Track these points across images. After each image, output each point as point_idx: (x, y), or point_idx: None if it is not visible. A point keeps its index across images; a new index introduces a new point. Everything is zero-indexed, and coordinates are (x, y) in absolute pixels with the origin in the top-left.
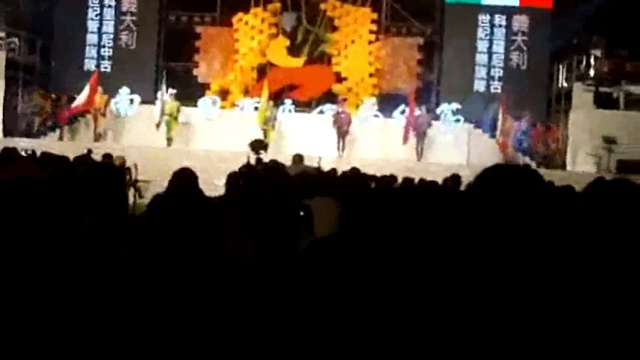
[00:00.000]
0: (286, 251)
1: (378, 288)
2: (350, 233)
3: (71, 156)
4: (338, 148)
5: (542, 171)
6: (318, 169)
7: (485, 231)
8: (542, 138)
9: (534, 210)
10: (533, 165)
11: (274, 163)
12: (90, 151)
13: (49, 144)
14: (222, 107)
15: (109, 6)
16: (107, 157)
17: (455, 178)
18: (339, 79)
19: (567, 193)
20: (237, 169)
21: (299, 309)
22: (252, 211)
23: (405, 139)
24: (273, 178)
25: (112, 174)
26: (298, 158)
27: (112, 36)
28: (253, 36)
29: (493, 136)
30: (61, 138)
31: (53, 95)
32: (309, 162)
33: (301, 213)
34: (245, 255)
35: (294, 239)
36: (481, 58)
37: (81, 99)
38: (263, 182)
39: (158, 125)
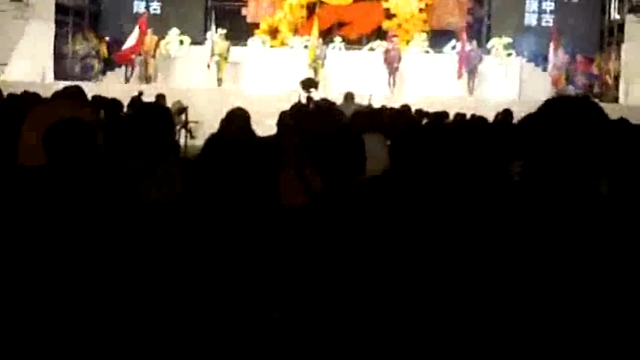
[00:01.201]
0: (346, 186)
1: (426, 227)
2: (399, 172)
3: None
4: (389, 85)
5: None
6: (369, 106)
7: (544, 171)
8: (584, 70)
9: (597, 144)
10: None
11: (325, 101)
12: (141, 93)
13: (101, 86)
14: (272, 46)
15: None
16: (160, 97)
17: (506, 113)
18: (389, 15)
19: (623, 126)
20: (288, 108)
21: (353, 250)
22: (312, 147)
23: (459, 74)
24: (325, 115)
25: (162, 115)
26: (349, 96)
27: None
28: None
29: (545, 69)
30: (127, 80)
31: (107, 38)
32: (360, 99)
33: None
34: (301, 194)
35: (352, 174)
36: None
37: (131, 41)
38: (315, 120)
39: (209, 65)
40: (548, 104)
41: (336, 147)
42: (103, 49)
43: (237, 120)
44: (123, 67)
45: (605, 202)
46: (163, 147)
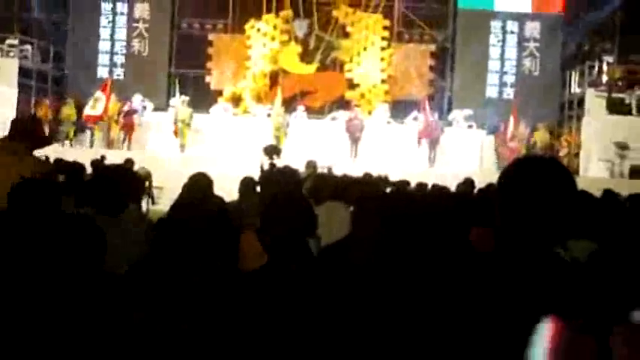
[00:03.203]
0: (301, 254)
1: (388, 293)
2: (361, 237)
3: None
4: (351, 155)
5: None
6: (330, 173)
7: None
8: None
9: (566, 205)
10: None
11: (288, 169)
12: (103, 157)
13: (62, 150)
14: (235, 114)
15: (122, 13)
16: (128, 162)
17: (468, 183)
18: (352, 85)
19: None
20: (250, 175)
21: (312, 312)
22: (267, 215)
23: (419, 143)
24: (286, 183)
25: (124, 177)
26: (311, 164)
27: (124, 43)
28: (265, 43)
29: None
30: (92, 144)
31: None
32: (322, 168)
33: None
34: (260, 257)
35: (306, 243)
36: (493, 64)
37: (99, 108)
38: (277, 186)
39: (176, 132)
40: (517, 164)
41: (281, 211)
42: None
43: (198, 185)
44: (88, 132)
45: (565, 266)
46: (126, 208)
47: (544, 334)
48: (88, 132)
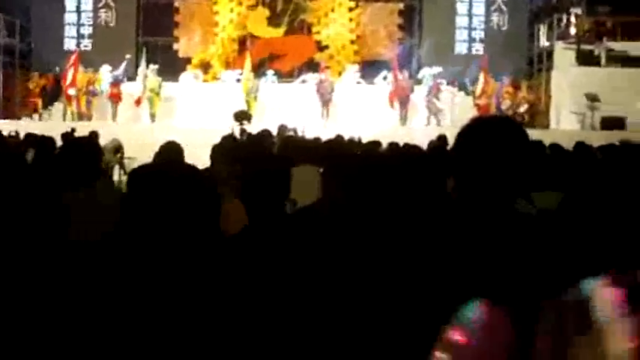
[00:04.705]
0: (278, 218)
1: (355, 259)
2: (331, 200)
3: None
4: (322, 116)
5: (527, 130)
6: (303, 137)
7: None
8: (512, 96)
9: (518, 161)
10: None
11: (263, 132)
12: (73, 130)
13: (31, 125)
14: (205, 81)
15: None
16: (93, 134)
17: (442, 139)
18: (321, 47)
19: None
20: (220, 142)
21: (289, 277)
22: (244, 181)
23: (391, 104)
24: (255, 147)
25: (88, 150)
26: (283, 128)
27: (90, 14)
28: (232, 8)
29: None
30: (64, 117)
31: (50, 75)
32: (291, 131)
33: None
34: (238, 220)
35: (282, 205)
36: (461, 20)
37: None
38: (246, 152)
39: (138, 102)
40: (470, 125)
41: (258, 178)
42: (48, 86)
43: (169, 153)
44: (61, 105)
45: (520, 219)
46: (94, 180)
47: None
48: (60, 105)
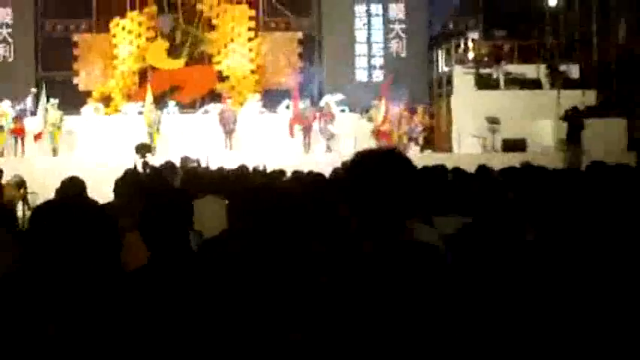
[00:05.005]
0: (180, 251)
1: (267, 287)
2: (236, 231)
3: None
4: (225, 147)
5: (428, 155)
6: (207, 168)
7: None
8: (409, 122)
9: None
10: (418, 150)
11: (166, 165)
12: None
13: None
14: (106, 114)
15: None
16: None
17: (344, 167)
18: (222, 77)
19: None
20: (122, 175)
21: (195, 309)
22: (143, 215)
23: (292, 133)
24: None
25: None
26: (186, 160)
27: None
28: (132, 40)
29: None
30: None
31: None
32: (193, 162)
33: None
34: (139, 257)
35: (185, 239)
36: (361, 48)
37: None
38: (151, 187)
39: (38, 136)
40: (355, 158)
41: (156, 212)
42: None
43: (71, 188)
44: None
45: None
46: None
47: None
48: None
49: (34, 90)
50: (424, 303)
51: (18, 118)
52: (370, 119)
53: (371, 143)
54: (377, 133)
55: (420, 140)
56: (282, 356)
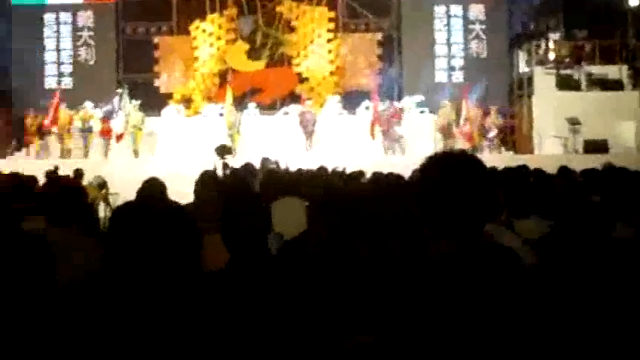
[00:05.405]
0: (259, 253)
1: (345, 289)
2: (316, 233)
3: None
4: (305, 148)
5: (510, 156)
6: (286, 169)
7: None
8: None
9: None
10: (502, 151)
11: (243, 168)
12: (57, 168)
13: (16, 163)
14: (187, 115)
15: (65, 22)
16: (77, 172)
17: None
18: (301, 79)
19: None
20: (200, 176)
21: (276, 310)
22: (223, 217)
23: (372, 135)
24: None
25: (71, 190)
26: (266, 161)
27: (70, 52)
28: (212, 43)
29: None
30: (38, 155)
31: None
32: (273, 164)
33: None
34: (220, 259)
35: (264, 240)
36: (440, 49)
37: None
38: (230, 189)
39: (120, 137)
40: (428, 162)
41: (236, 215)
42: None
43: (152, 189)
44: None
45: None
46: (77, 221)
47: None
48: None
49: (120, 90)
50: (500, 307)
51: (105, 119)
52: (442, 118)
53: (450, 144)
54: (459, 134)
55: (495, 142)
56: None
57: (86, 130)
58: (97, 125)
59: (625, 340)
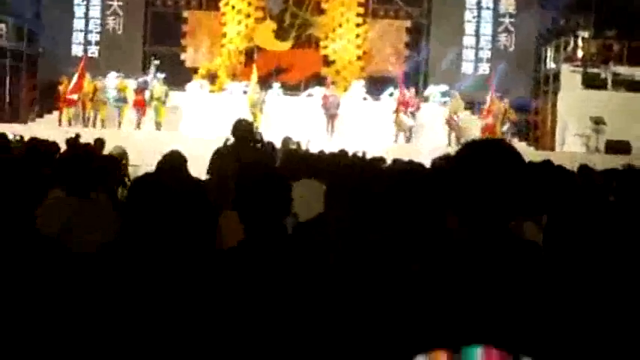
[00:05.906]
0: (276, 232)
1: (359, 273)
2: (333, 216)
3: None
4: (327, 131)
5: (531, 151)
6: (307, 150)
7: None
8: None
9: (512, 185)
10: (524, 146)
11: (264, 146)
12: (78, 136)
13: (38, 130)
14: (211, 91)
15: None
16: (98, 141)
17: (446, 159)
18: (327, 62)
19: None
20: (214, 153)
21: (287, 291)
22: (239, 195)
23: (397, 122)
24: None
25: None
26: (287, 141)
27: (98, 21)
28: (240, 20)
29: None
30: (60, 122)
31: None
32: (294, 145)
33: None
34: (236, 236)
35: (281, 220)
36: (469, 40)
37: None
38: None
39: (141, 107)
40: (463, 150)
41: (255, 191)
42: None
43: (172, 162)
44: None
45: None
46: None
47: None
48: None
49: (156, 62)
50: (520, 299)
51: (139, 90)
52: (451, 108)
53: (471, 134)
54: (482, 126)
55: (509, 135)
56: (371, 343)
57: (120, 101)
58: (130, 96)
59: None
